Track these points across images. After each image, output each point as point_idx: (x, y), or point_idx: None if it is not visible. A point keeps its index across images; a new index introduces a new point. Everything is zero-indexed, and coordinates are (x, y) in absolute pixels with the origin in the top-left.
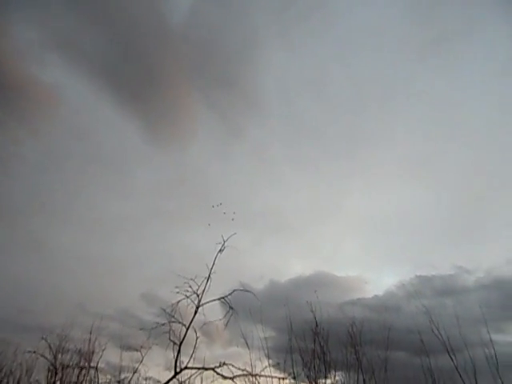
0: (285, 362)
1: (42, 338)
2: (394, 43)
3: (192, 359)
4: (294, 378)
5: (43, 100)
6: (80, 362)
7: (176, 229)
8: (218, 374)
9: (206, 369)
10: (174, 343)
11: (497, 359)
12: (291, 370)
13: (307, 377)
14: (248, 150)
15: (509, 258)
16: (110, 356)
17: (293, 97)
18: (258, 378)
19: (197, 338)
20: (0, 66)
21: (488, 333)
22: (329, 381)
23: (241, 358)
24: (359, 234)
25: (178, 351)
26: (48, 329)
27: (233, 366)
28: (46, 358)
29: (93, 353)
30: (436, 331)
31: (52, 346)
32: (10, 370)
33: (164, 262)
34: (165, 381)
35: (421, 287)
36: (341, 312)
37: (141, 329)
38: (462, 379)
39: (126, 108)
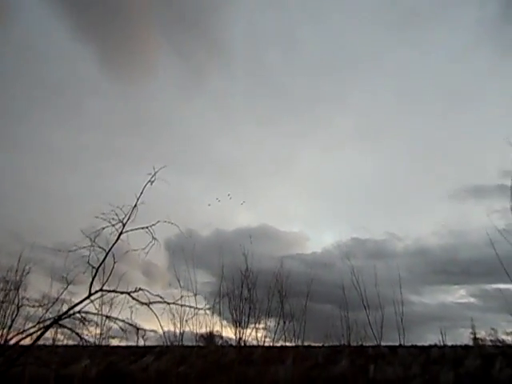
0: (213, 305)
1: None
2: (368, 12)
3: (107, 284)
4: (210, 308)
5: None
6: (7, 285)
7: (125, 168)
8: (133, 298)
9: (122, 292)
10: (93, 267)
11: (402, 314)
12: (220, 312)
13: (234, 321)
14: (209, 97)
15: (434, 229)
16: (43, 287)
17: (260, 49)
18: (173, 305)
19: (114, 263)
20: None
21: (400, 293)
22: (252, 325)
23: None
24: (305, 192)
25: (95, 275)
26: None
27: (149, 292)
28: None
29: (21, 280)
30: (357, 286)
31: None
32: None
33: (110, 200)
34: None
35: (355, 249)
36: (276, 264)
37: (58, 250)
38: (371, 328)
39: (83, 34)
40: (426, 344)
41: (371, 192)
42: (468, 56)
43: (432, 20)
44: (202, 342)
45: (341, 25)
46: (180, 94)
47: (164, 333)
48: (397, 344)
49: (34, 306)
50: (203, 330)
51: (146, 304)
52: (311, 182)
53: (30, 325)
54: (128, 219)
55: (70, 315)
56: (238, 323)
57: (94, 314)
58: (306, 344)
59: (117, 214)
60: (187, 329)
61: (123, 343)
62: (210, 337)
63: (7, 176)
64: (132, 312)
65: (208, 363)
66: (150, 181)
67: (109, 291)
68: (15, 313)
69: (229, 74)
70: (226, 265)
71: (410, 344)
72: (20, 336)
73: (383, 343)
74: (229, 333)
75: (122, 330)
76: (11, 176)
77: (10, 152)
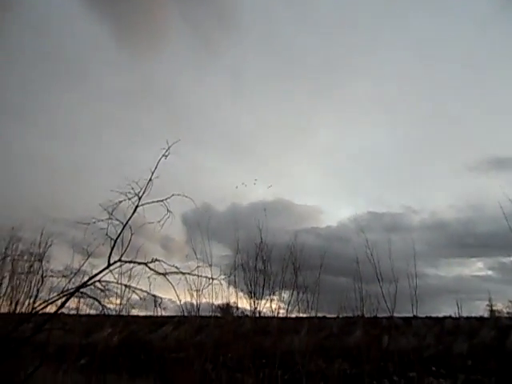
0: (229, 277)
1: None
2: None
3: (125, 254)
4: (225, 278)
5: None
6: (31, 257)
7: (140, 141)
8: (150, 269)
9: (139, 263)
10: (111, 239)
11: (416, 286)
12: (236, 283)
13: (249, 292)
14: (222, 68)
15: (451, 203)
16: (65, 260)
17: (274, 18)
18: (190, 276)
19: (131, 235)
20: None
21: (414, 266)
22: (267, 297)
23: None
24: (321, 166)
25: (113, 246)
26: None
27: (165, 262)
28: None
29: (44, 253)
30: (371, 259)
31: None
32: None
33: (126, 174)
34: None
35: (371, 222)
36: (291, 237)
37: (78, 223)
38: (385, 300)
39: (95, 8)
40: (441, 315)
41: (387, 165)
42: (490, 24)
43: None
44: (219, 312)
45: None
46: (192, 65)
47: (182, 304)
48: (411, 315)
49: (57, 277)
50: (219, 302)
51: (162, 274)
52: (327, 155)
53: (55, 294)
54: (143, 193)
55: (91, 284)
56: (253, 294)
57: (114, 282)
58: (320, 315)
59: (133, 188)
60: (204, 300)
61: (143, 313)
62: (226, 307)
63: (25, 152)
64: (150, 283)
65: (224, 333)
66: (164, 155)
67: (126, 262)
68: (40, 283)
69: (241, 45)
70: (241, 238)
71: (424, 316)
72: (45, 304)
73: (397, 315)
74: (244, 304)
75: (141, 298)
76: (29, 152)
77: (28, 128)
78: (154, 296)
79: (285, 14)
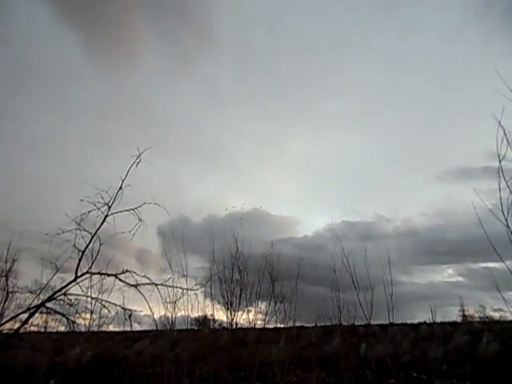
0: (205, 288)
1: None
2: None
3: (96, 266)
4: (199, 289)
5: None
6: None
7: (111, 154)
8: (120, 280)
9: (109, 275)
10: (79, 250)
11: (392, 293)
12: (212, 295)
13: (226, 303)
14: (197, 82)
15: (422, 211)
16: (33, 275)
17: (247, 31)
18: (165, 290)
19: (100, 245)
20: None
21: (390, 273)
22: (244, 308)
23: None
24: (296, 176)
25: (81, 257)
26: None
27: (136, 273)
28: None
29: (10, 268)
30: (348, 268)
31: None
32: None
33: (96, 185)
34: (64, 284)
35: (346, 231)
36: (268, 247)
37: (45, 234)
38: (362, 308)
39: (67, 23)
40: (416, 322)
41: (361, 175)
42: (455, 38)
43: (419, 1)
44: (196, 325)
45: (328, 6)
46: (166, 78)
47: (157, 317)
48: (387, 323)
49: (24, 293)
50: (196, 314)
51: (133, 286)
52: (301, 165)
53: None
54: (113, 202)
55: (58, 298)
56: (229, 305)
57: (82, 295)
58: (298, 325)
59: (102, 197)
60: (180, 313)
61: (117, 329)
62: (203, 320)
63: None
64: (124, 297)
65: (201, 346)
66: (135, 162)
67: (95, 273)
68: (5, 300)
69: (215, 58)
70: (217, 249)
71: (400, 322)
72: (7, 319)
73: (374, 322)
74: (221, 316)
75: (111, 312)
76: None
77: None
78: (124, 309)
79: (259, 28)
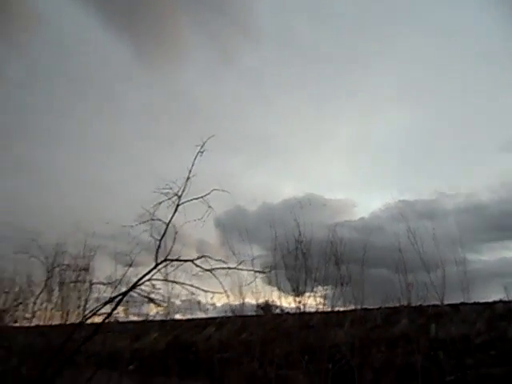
0: (271, 270)
1: (33, 240)
2: None
3: (171, 253)
4: (270, 271)
5: (24, 17)
6: (77, 268)
7: (166, 151)
8: (197, 266)
9: (185, 260)
10: (156, 239)
11: (465, 270)
12: (276, 280)
13: (292, 290)
14: (240, 75)
15: (487, 184)
16: (108, 271)
17: (287, 17)
18: (234, 270)
19: (176, 233)
20: None
21: (459, 250)
22: (309, 292)
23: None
24: (348, 157)
25: (158, 246)
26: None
27: (211, 258)
28: (37, 258)
29: (88, 264)
30: (415, 246)
31: (47, 246)
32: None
33: (156, 183)
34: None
35: (404, 211)
36: (326, 232)
37: (123, 226)
38: (431, 288)
39: (113, 27)
40: (490, 300)
41: (417, 151)
42: None
43: None
44: (260, 311)
45: None
46: (211, 72)
47: (223, 304)
48: (458, 302)
49: (104, 284)
50: (259, 300)
51: (208, 270)
52: (354, 146)
53: (102, 303)
54: (183, 191)
55: (141, 284)
56: (295, 290)
57: (164, 280)
58: (363, 307)
59: (171, 188)
60: (243, 300)
61: (187, 316)
62: (266, 306)
63: (61, 173)
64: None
65: (268, 330)
66: (199, 151)
67: (173, 260)
68: (88, 291)
69: (257, 47)
70: (277, 236)
71: (472, 301)
72: (96, 311)
73: (444, 302)
74: (284, 301)
75: (191, 293)
76: (64, 172)
77: (62, 148)
78: (204, 290)
79: (300, 12)
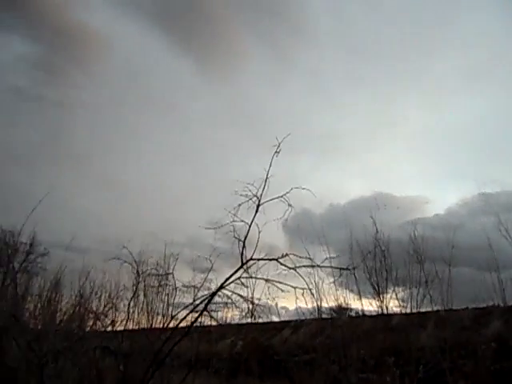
0: (354, 268)
1: (123, 247)
2: None
3: (255, 252)
4: (354, 269)
5: (94, 44)
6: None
7: (233, 157)
8: (281, 264)
9: (270, 259)
10: (239, 240)
11: None
12: (355, 287)
13: (373, 291)
14: (300, 75)
15: None
16: (186, 278)
17: (343, 12)
18: (318, 268)
19: (259, 233)
20: (53, 14)
21: None
22: (389, 296)
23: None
24: (417, 152)
25: (243, 246)
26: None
27: (294, 255)
28: (130, 263)
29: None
30: (510, 241)
31: (133, 254)
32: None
33: (225, 189)
34: (232, 272)
35: (485, 204)
36: (401, 231)
37: (207, 228)
38: None
39: (175, 45)
40: None
41: (495, 138)
42: None
43: None
44: (333, 313)
45: None
46: (271, 77)
47: (296, 308)
48: None
49: (187, 287)
50: (335, 304)
51: (293, 268)
52: (422, 139)
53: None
54: (263, 190)
55: (230, 283)
56: (375, 290)
57: (253, 278)
58: (447, 308)
59: (250, 190)
60: (320, 303)
61: (262, 320)
62: (339, 308)
63: (137, 186)
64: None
65: (346, 333)
66: (276, 151)
67: (259, 259)
68: (173, 295)
69: (316, 45)
70: (346, 237)
71: None
72: (176, 319)
73: None
74: (363, 304)
75: (271, 297)
76: (140, 185)
77: (136, 160)
78: (293, 287)
79: (354, 6)
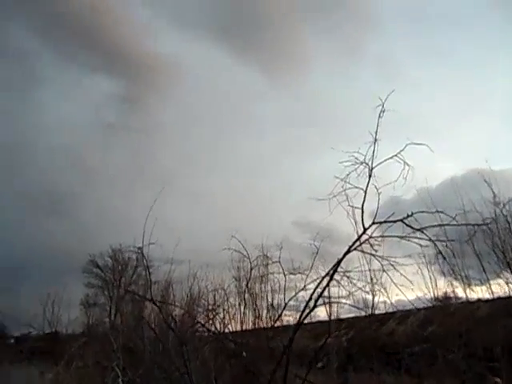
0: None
1: (232, 237)
2: None
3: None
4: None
5: (166, 70)
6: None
7: (310, 156)
8: (406, 225)
9: (395, 221)
10: (356, 208)
11: None
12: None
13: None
14: (369, 63)
15: None
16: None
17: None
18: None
19: (379, 193)
20: (126, 48)
21: None
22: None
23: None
24: (509, 120)
25: (362, 211)
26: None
27: (424, 211)
28: (240, 252)
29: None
30: None
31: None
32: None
33: (308, 188)
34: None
35: None
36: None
37: (319, 199)
38: None
39: (241, 56)
40: None
41: None
42: None
43: None
44: (438, 303)
45: None
46: (340, 69)
47: (394, 301)
48: None
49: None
50: (434, 293)
51: (420, 230)
52: None
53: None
54: (373, 153)
55: (356, 248)
56: (484, 274)
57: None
58: None
59: (357, 158)
60: (415, 294)
61: (361, 314)
62: (446, 297)
63: (223, 194)
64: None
65: (462, 319)
66: (381, 111)
67: (382, 222)
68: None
69: (383, 33)
70: (447, 220)
71: None
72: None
73: None
74: (469, 290)
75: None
76: (225, 193)
77: (215, 174)
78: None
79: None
